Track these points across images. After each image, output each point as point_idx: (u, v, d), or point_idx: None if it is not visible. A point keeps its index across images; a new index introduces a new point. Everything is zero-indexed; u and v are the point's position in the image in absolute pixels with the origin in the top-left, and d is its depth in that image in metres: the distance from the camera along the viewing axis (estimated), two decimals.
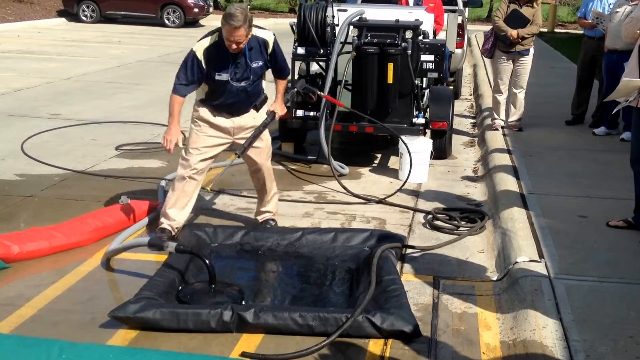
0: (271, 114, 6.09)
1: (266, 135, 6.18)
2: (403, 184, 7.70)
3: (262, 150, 6.17)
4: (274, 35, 5.91)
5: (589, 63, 10.48)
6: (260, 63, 5.85)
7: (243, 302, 4.96)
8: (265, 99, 6.15)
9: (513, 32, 9.61)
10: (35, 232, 5.86)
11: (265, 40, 5.81)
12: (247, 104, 5.98)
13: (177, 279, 5.18)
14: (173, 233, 5.96)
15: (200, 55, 5.59)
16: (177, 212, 6.02)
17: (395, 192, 7.51)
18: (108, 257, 5.65)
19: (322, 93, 7.87)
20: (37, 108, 11.34)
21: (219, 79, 5.71)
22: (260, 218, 6.50)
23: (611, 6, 9.89)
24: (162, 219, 6.05)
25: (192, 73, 5.64)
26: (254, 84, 5.91)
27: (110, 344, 4.37)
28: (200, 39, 5.67)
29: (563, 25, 32.82)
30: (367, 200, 7.34)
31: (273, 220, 6.48)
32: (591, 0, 10.38)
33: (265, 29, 5.89)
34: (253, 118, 6.04)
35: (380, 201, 7.33)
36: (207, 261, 5.10)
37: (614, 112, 7.79)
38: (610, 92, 8.95)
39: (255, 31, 5.69)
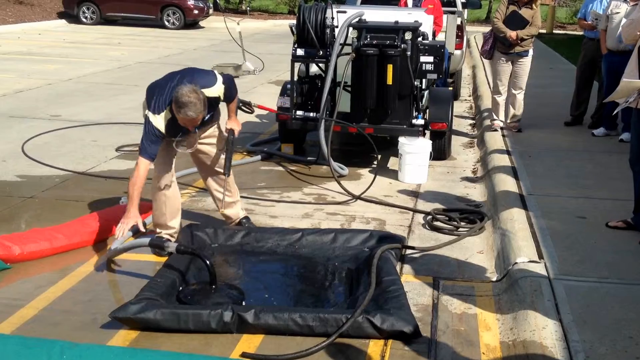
0: (231, 132, 6.02)
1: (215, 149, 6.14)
2: (373, 180, 7.71)
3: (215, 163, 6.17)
4: (222, 81, 5.70)
5: (589, 64, 10.50)
6: (211, 112, 5.80)
7: (243, 303, 4.98)
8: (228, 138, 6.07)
9: (512, 34, 9.63)
10: (36, 233, 5.88)
11: (216, 98, 5.69)
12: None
13: (178, 279, 5.19)
14: (172, 241, 5.88)
15: (160, 128, 5.42)
16: (172, 219, 6.03)
17: (370, 185, 7.57)
18: (109, 258, 5.67)
19: (255, 104, 8.11)
20: (37, 109, 11.36)
21: (171, 139, 5.66)
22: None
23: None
24: (159, 230, 6.03)
25: (154, 143, 5.47)
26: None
27: (111, 345, 4.38)
28: (155, 112, 5.43)
29: (562, 26, 32.85)
30: (366, 200, 7.37)
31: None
32: (591, 1, 10.39)
33: (211, 78, 5.66)
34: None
35: (372, 201, 7.36)
36: (208, 261, 5.12)
37: (614, 113, 7.80)
38: (610, 92, 9.01)
39: (207, 93, 5.50)
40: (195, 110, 5.26)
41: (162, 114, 5.43)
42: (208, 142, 6.08)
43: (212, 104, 5.66)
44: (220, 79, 5.68)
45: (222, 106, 5.97)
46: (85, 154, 8.86)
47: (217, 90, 5.64)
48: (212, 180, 6.27)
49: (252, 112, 8.31)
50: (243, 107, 7.89)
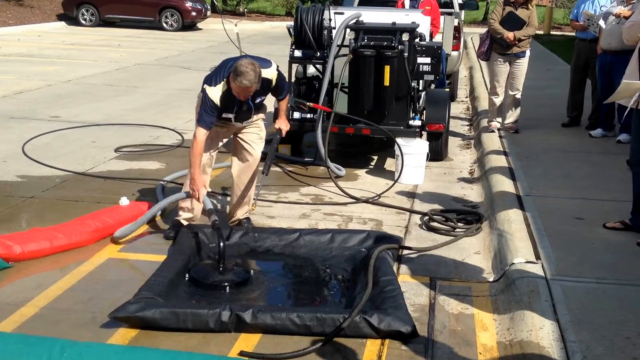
0: (279, 132, 6.60)
1: (257, 152, 6.46)
2: (393, 183, 7.82)
3: (251, 164, 6.44)
4: (277, 68, 6.15)
5: (582, 65, 10.49)
6: (262, 98, 6.21)
7: (251, 276, 5.36)
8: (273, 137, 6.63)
9: (510, 35, 9.65)
10: (36, 232, 5.91)
11: (269, 80, 6.05)
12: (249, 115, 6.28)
13: (175, 278, 5.22)
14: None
15: (216, 101, 5.82)
16: (194, 207, 6.36)
17: (387, 190, 7.64)
18: (154, 215, 6.20)
19: (311, 103, 8.02)
20: (37, 110, 11.39)
21: (225, 116, 6.05)
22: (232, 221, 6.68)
23: (603, 8, 9.91)
24: (180, 213, 6.43)
25: (210, 114, 5.85)
26: (256, 113, 6.29)
27: (111, 343, 4.41)
28: (213, 86, 5.83)
29: (559, 27, 32.89)
30: (365, 201, 7.40)
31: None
32: (583, 2, 10.37)
33: (268, 63, 6.06)
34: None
35: (368, 201, 7.40)
36: (222, 243, 5.41)
37: (624, 116, 7.69)
38: (605, 92, 9.05)
39: (263, 73, 5.86)
40: (250, 80, 5.62)
41: (219, 86, 5.83)
42: (250, 132, 6.37)
43: (264, 87, 6.04)
44: (275, 66, 6.13)
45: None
46: (85, 154, 8.89)
47: (271, 73, 6.04)
48: (242, 177, 6.47)
49: (307, 111, 8.27)
50: (299, 105, 7.93)
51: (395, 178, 7.91)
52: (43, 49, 19.67)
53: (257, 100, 6.15)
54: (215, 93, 5.83)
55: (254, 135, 6.39)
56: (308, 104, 8.00)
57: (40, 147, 9.14)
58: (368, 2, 12.98)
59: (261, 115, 6.41)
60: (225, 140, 6.46)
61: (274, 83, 6.13)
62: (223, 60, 6.05)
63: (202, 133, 5.86)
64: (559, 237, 6.13)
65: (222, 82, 5.84)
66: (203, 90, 5.89)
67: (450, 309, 5.08)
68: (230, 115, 6.06)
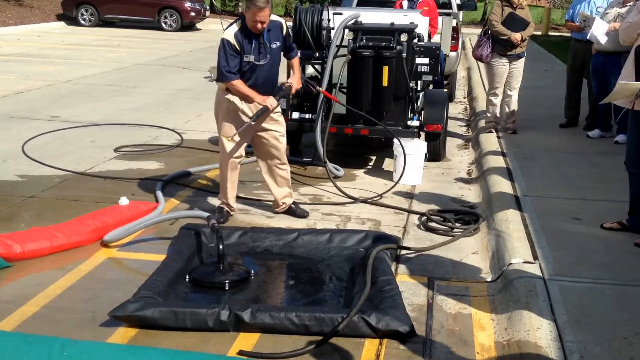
0: (288, 86, 6.73)
1: (283, 144, 6.83)
2: (395, 184, 7.86)
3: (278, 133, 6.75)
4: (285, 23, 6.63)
5: (578, 66, 10.48)
6: (278, 44, 6.51)
7: (252, 277, 5.39)
8: (281, 87, 6.72)
9: (517, 36, 9.64)
10: (36, 232, 5.92)
11: (280, 23, 6.51)
12: (270, 86, 6.59)
13: (175, 278, 5.24)
14: (231, 213, 6.85)
15: (232, 40, 6.21)
16: (230, 195, 6.77)
17: (389, 190, 7.68)
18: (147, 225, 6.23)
19: (320, 88, 7.97)
20: (37, 110, 11.40)
21: (247, 60, 6.32)
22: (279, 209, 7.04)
23: (599, 9, 9.93)
24: (222, 200, 6.84)
25: (232, 57, 6.23)
26: (274, 65, 6.56)
27: (110, 342, 4.43)
28: (226, 29, 6.29)
29: (556, 28, 32.86)
30: (364, 201, 7.42)
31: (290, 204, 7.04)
32: (579, 2, 10.38)
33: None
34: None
35: (366, 201, 7.43)
36: (221, 246, 5.45)
37: (619, 117, 7.68)
38: (600, 93, 9.07)
39: (274, 16, 6.41)
40: (263, 3, 6.01)
41: (232, 26, 6.29)
42: (272, 128, 6.68)
43: (277, 30, 6.47)
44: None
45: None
46: (84, 154, 8.90)
47: (281, 19, 6.55)
48: (270, 167, 6.87)
49: (316, 92, 8.23)
50: (309, 85, 7.90)
51: (397, 179, 7.93)
52: (42, 49, 19.68)
53: (274, 46, 6.43)
54: (229, 32, 6.22)
55: (276, 133, 6.70)
56: (318, 87, 7.98)
57: (40, 147, 9.16)
58: (367, 2, 13.00)
59: (279, 108, 6.70)
60: (248, 138, 6.68)
61: (284, 29, 6.52)
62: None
63: (238, 83, 6.27)
64: (556, 238, 6.14)
65: (235, 24, 6.28)
66: (219, 46, 6.25)
67: (448, 309, 5.10)
68: (252, 57, 6.30)
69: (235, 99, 6.45)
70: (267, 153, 6.78)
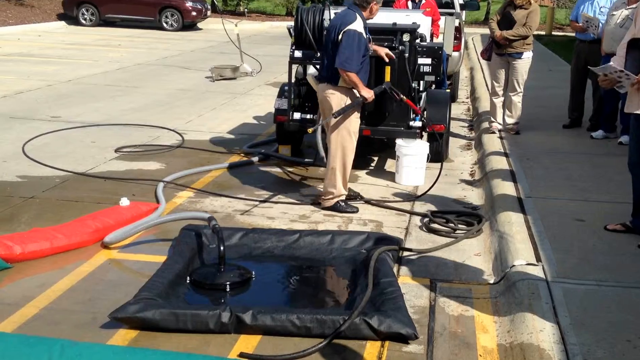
0: (387, 82, 7.58)
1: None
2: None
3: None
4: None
5: (582, 66, 10.45)
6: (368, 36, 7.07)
7: (253, 277, 5.36)
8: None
9: (497, 33, 9.70)
10: (36, 232, 5.90)
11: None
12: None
13: (175, 279, 5.22)
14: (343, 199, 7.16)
15: (362, 32, 6.76)
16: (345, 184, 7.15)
17: (422, 194, 7.76)
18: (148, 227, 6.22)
19: (404, 97, 7.87)
20: (37, 110, 11.39)
21: (369, 47, 7.00)
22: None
23: (602, 9, 9.91)
24: (347, 189, 7.22)
25: (363, 50, 6.81)
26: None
27: (111, 344, 4.41)
28: (353, 22, 6.74)
29: (561, 28, 32.86)
30: (367, 201, 7.40)
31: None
32: (583, 3, 10.36)
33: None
34: None
35: (370, 202, 7.40)
36: (222, 247, 5.41)
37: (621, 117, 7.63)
38: (610, 97, 9.05)
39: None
40: None
41: (357, 20, 6.77)
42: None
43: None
44: None
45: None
46: (85, 154, 8.88)
47: None
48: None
49: (398, 100, 8.17)
50: (393, 92, 7.82)
51: (401, 181, 7.91)
52: (43, 49, 19.69)
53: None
54: (357, 26, 6.70)
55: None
56: (402, 97, 7.83)
57: (41, 147, 9.14)
58: None
59: None
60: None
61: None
62: (334, 17, 7.10)
63: (355, 75, 6.75)
64: (559, 239, 6.12)
65: (357, 19, 6.76)
66: (347, 34, 6.66)
67: (450, 311, 5.08)
68: (370, 46, 7.08)
69: (354, 99, 7.00)
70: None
